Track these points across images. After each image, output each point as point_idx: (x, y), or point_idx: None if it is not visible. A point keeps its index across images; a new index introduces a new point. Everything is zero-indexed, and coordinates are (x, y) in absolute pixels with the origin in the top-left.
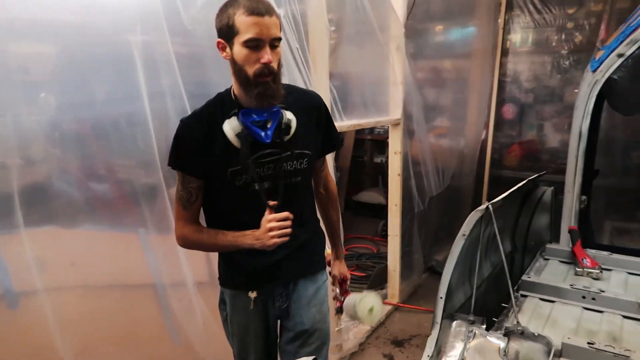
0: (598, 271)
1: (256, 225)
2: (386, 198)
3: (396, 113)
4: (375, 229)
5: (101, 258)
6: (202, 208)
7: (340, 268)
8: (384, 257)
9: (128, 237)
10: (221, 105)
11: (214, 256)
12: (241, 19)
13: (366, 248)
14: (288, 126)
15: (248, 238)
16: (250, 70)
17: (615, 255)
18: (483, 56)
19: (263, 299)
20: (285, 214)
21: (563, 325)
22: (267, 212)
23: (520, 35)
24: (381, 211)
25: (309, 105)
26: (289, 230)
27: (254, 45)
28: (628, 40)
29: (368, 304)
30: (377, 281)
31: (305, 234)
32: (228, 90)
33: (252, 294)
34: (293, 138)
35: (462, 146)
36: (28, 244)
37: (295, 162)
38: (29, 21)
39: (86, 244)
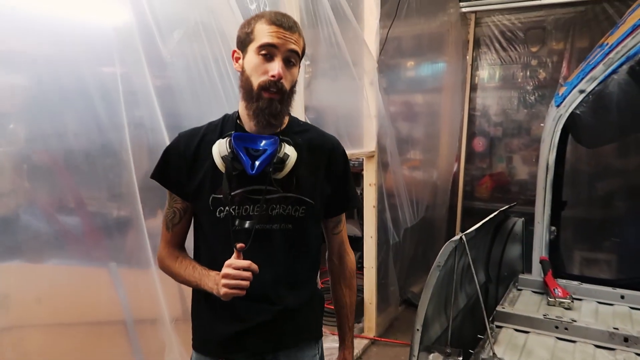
0: (569, 301)
1: None
2: (362, 230)
3: (370, 145)
4: None
5: (69, 294)
6: (194, 237)
7: (347, 357)
8: (360, 290)
9: (98, 272)
10: (222, 125)
11: (187, 292)
12: (261, 27)
13: None
14: (282, 161)
15: (210, 280)
16: (256, 81)
17: (585, 285)
18: (453, 91)
19: None
20: (246, 262)
21: (538, 355)
22: (234, 255)
23: (487, 72)
24: (357, 243)
25: (322, 148)
26: (245, 283)
27: (266, 53)
28: (588, 77)
29: None
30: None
31: (296, 299)
32: (235, 112)
33: None
34: (288, 178)
35: (435, 178)
36: None
37: (290, 207)
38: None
39: (53, 279)
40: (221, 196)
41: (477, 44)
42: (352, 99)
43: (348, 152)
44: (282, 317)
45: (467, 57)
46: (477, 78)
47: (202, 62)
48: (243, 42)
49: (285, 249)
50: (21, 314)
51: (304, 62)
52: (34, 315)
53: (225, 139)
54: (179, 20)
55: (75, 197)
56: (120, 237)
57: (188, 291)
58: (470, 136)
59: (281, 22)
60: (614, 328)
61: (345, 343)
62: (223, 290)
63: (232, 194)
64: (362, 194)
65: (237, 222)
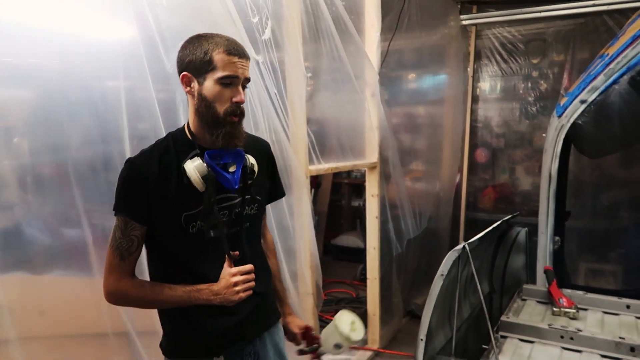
0: (575, 310)
1: (212, 278)
2: (364, 241)
3: (372, 157)
4: (354, 273)
5: (72, 305)
6: (149, 259)
7: (297, 322)
8: (363, 301)
9: (101, 284)
10: (174, 144)
11: None
12: (220, 57)
13: (345, 292)
14: (253, 171)
15: (204, 293)
16: (221, 108)
17: (590, 295)
18: (455, 103)
19: None
20: (250, 266)
21: None
22: (226, 264)
23: (489, 83)
24: (360, 255)
25: (261, 151)
26: (253, 284)
27: (228, 82)
28: (589, 87)
29: (347, 320)
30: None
31: (262, 285)
32: (180, 130)
33: (218, 359)
34: (251, 185)
35: (438, 189)
36: None
37: (247, 207)
38: (6, 65)
39: (57, 291)
40: (194, 211)
41: (478, 56)
42: (354, 111)
43: (350, 163)
44: (262, 302)
45: (469, 69)
46: (478, 90)
47: None
48: (198, 69)
49: (250, 244)
50: (24, 325)
51: (307, 76)
52: (37, 326)
53: (195, 158)
54: (183, 34)
55: (79, 210)
56: None
57: None
58: (473, 147)
59: (238, 51)
60: (620, 338)
61: (292, 313)
62: (238, 296)
63: (200, 208)
64: (364, 205)
65: (212, 233)
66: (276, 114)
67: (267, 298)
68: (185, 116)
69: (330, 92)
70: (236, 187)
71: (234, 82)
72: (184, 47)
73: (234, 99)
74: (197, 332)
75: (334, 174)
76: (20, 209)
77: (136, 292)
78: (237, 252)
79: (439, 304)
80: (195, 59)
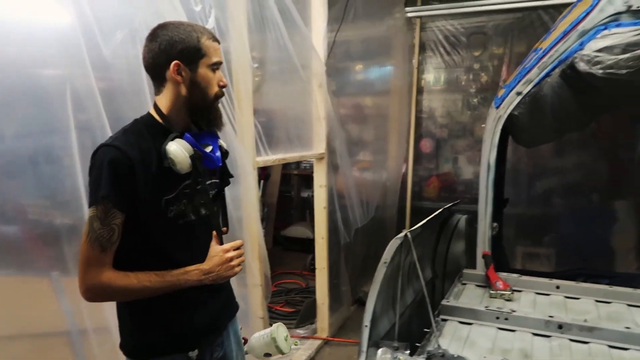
0: (510, 292)
1: (190, 262)
2: (314, 232)
3: (320, 147)
4: (303, 264)
5: (8, 305)
6: (121, 252)
7: None
8: (312, 291)
9: (39, 282)
10: (146, 128)
11: None
12: (208, 43)
13: (295, 283)
14: (227, 151)
15: (193, 274)
16: (212, 92)
17: (524, 277)
18: (400, 94)
19: (201, 353)
20: (240, 241)
21: (480, 345)
22: (214, 242)
23: (433, 75)
24: (309, 245)
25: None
26: (244, 258)
27: (217, 68)
28: (524, 80)
29: (282, 333)
30: (306, 316)
31: None
32: (147, 116)
33: (193, 353)
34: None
35: (385, 179)
36: None
37: (215, 191)
38: None
39: None
40: (172, 195)
41: (422, 48)
42: (301, 102)
43: (298, 154)
44: (228, 290)
45: (414, 60)
46: (423, 81)
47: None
48: (192, 57)
49: (220, 227)
50: None
51: (253, 66)
52: None
53: (178, 140)
54: (122, 21)
55: (15, 204)
56: (63, 246)
57: None
58: (418, 138)
59: (216, 38)
60: (550, 316)
61: None
62: (233, 271)
63: (177, 191)
64: (312, 195)
65: (192, 216)
66: (221, 105)
67: (231, 290)
68: (130, 105)
69: (277, 82)
70: (219, 164)
71: (220, 67)
72: (171, 39)
73: (221, 83)
74: (172, 329)
75: (283, 165)
76: None
77: (121, 283)
78: (225, 229)
79: (383, 291)
80: (187, 47)
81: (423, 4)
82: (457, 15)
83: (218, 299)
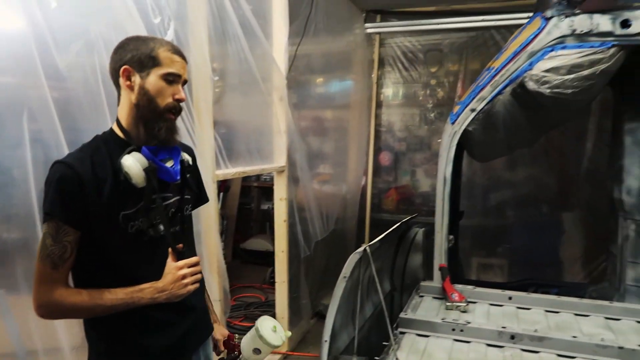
0: (465, 304)
1: (153, 280)
2: (274, 244)
3: (281, 160)
4: (263, 277)
5: None
6: (80, 270)
7: (222, 330)
8: (272, 305)
9: None
10: (105, 143)
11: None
12: (166, 54)
13: (254, 297)
14: (189, 165)
15: (147, 292)
16: (162, 102)
17: (479, 289)
18: (360, 107)
19: None
20: (196, 258)
21: (437, 357)
22: (170, 259)
23: (392, 90)
24: (269, 258)
25: (190, 154)
26: (200, 276)
27: (171, 80)
28: (478, 97)
29: (268, 325)
30: None
31: (199, 298)
32: (109, 131)
33: None
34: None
35: (345, 192)
36: None
37: (183, 207)
38: None
39: None
40: (133, 210)
41: (381, 63)
42: (262, 115)
43: (258, 167)
44: (201, 316)
45: (373, 75)
46: (382, 95)
47: (102, 75)
48: (143, 63)
49: (189, 246)
50: None
51: (213, 78)
52: None
53: (133, 153)
54: (78, 32)
55: None
56: (10, 262)
57: None
58: (377, 151)
59: (180, 53)
60: (502, 327)
61: (216, 320)
62: (186, 289)
63: (139, 206)
64: (273, 208)
65: (151, 231)
66: (181, 118)
67: (205, 311)
68: (87, 117)
69: (238, 94)
70: (177, 178)
71: (176, 80)
72: (122, 46)
73: (176, 96)
74: (138, 352)
75: (243, 177)
76: None
77: (73, 300)
78: (181, 245)
79: (343, 305)
80: (139, 54)
81: (382, 21)
82: (415, 32)
83: (186, 319)
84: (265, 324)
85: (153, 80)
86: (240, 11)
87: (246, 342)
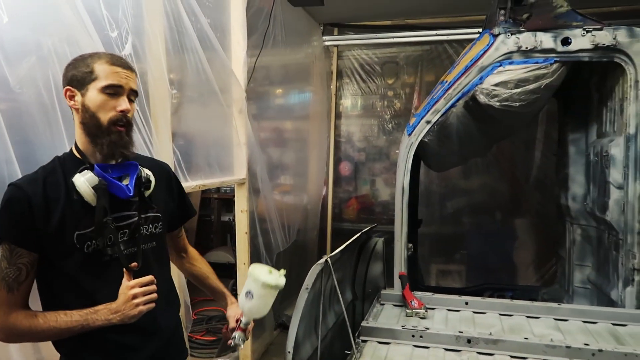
0: (424, 311)
1: (112, 301)
2: (235, 257)
3: (241, 173)
4: None
5: None
6: (42, 293)
7: (236, 310)
8: None
9: None
10: (61, 164)
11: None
12: (102, 67)
13: (217, 310)
14: (148, 181)
15: (102, 313)
16: (105, 117)
17: (437, 295)
18: (320, 118)
19: None
20: (150, 277)
21: None
22: (125, 278)
23: (350, 101)
24: (231, 270)
25: (160, 170)
26: (154, 295)
27: (112, 92)
28: (433, 109)
29: (262, 270)
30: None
31: (174, 318)
32: (67, 152)
33: None
34: (150, 198)
35: (306, 202)
36: None
37: (151, 225)
38: None
39: None
40: (88, 230)
41: (340, 75)
42: (221, 127)
43: (218, 180)
44: (171, 338)
45: (332, 87)
46: (341, 107)
47: (56, 91)
48: (81, 81)
49: (157, 267)
50: None
51: (171, 90)
52: None
53: (84, 171)
54: (32, 47)
55: None
56: None
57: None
58: (337, 161)
59: (121, 62)
60: (460, 332)
61: (231, 299)
62: (137, 309)
63: (108, 219)
64: (233, 219)
65: (109, 251)
66: (137, 129)
67: (176, 334)
68: (41, 136)
69: (196, 106)
70: (131, 194)
71: (119, 91)
72: (66, 67)
73: (119, 108)
74: None
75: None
76: None
77: (28, 324)
78: (135, 264)
79: (305, 316)
80: (77, 72)
81: (339, 33)
82: (371, 45)
83: (151, 343)
84: (257, 273)
85: (92, 95)
86: (198, 24)
87: (243, 298)
